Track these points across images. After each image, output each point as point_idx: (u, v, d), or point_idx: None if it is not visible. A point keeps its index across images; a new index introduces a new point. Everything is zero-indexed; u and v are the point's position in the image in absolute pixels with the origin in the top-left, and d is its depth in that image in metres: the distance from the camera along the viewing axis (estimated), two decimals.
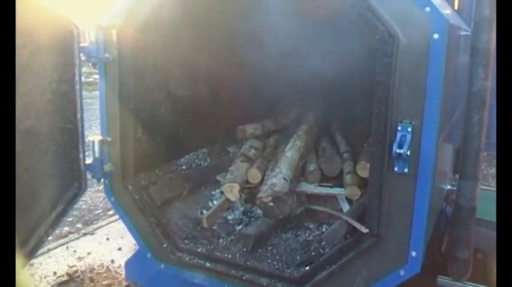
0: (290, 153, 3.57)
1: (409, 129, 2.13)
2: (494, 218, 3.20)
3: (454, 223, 2.76)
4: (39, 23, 2.42)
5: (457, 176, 2.83)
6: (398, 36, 2.10)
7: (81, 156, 2.79)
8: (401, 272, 2.31)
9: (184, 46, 3.41)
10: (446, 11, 2.33)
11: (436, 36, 2.06)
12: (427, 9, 2.07)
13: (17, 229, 2.39)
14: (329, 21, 3.18)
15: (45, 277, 3.46)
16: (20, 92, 2.33)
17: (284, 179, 3.22)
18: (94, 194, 5.40)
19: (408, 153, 2.11)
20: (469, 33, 2.74)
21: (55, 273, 3.50)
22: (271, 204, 3.08)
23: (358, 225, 2.54)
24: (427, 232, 2.33)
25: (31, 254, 2.57)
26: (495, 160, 6.58)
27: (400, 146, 2.11)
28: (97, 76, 2.93)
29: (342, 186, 3.40)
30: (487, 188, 4.90)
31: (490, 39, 2.43)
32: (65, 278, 3.44)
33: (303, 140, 3.82)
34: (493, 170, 6.50)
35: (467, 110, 2.55)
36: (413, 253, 2.27)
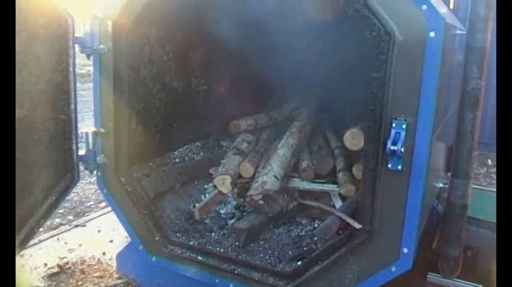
0: (282, 150, 3.57)
1: (404, 127, 2.14)
2: (485, 217, 3.26)
3: (445, 220, 2.78)
4: (34, 11, 2.40)
5: (449, 174, 2.85)
6: (394, 34, 2.11)
7: (74, 147, 2.77)
8: (393, 269, 2.33)
9: (180, 39, 3.40)
10: (443, 9, 2.33)
11: (432, 34, 2.07)
12: (424, 7, 2.08)
13: None
14: (325, 18, 3.17)
15: (35, 269, 3.44)
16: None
17: (275, 177, 3.22)
18: (86, 186, 5.38)
19: (402, 150, 2.11)
20: (464, 32, 2.75)
21: (46, 264, 3.47)
22: (261, 202, 3.09)
23: (351, 221, 2.55)
24: (419, 229, 2.34)
25: (22, 245, 2.55)
26: (486, 159, 6.67)
27: (394, 143, 2.12)
28: (90, 68, 2.91)
29: (334, 182, 3.41)
30: (478, 187, 4.95)
31: (485, 38, 2.44)
32: (56, 269, 3.42)
33: (295, 137, 3.82)
34: (484, 170, 6.55)
35: (461, 108, 2.56)
36: (405, 250, 2.29)
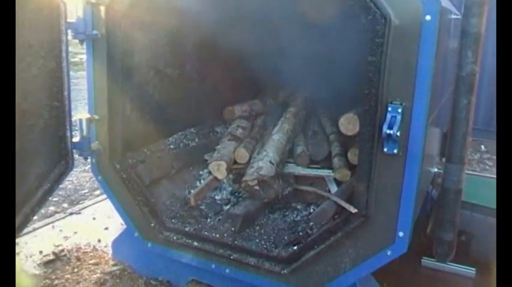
0: (277, 136, 3.57)
1: (400, 111, 2.14)
2: (478, 202, 3.29)
3: (440, 205, 2.80)
4: None
5: (443, 159, 2.87)
6: (390, 17, 2.09)
7: (68, 134, 2.75)
8: (389, 252, 2.34)
9: (174, 25, 3.37)
10: None
11: (428, 17, 2.06)
12: None
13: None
14: (319, 2, 3.16)
15: (30, 256, 3.42)
16: None
17: (270, 162, 3.22)
18: (80, 174, 5.36)
19: (398, 134, 2.12)
20: (459, 17, 2.75)
21: (41, 252, 3.46)
22: (256, 187, 3.09)
23: (347, 205, 2.56)
24: (414, 213, 2.35)
25: (17, 232, 2.54)
26: (480, 146, 6.71)
27: (390, 127, 2.12)
28: (82, 56, 2.88)
29: (330, 167, 3.41)
30: (471, 172, 4.98)
31: (480, 23, 2.44)
32: (51, 257, 3.40)
33: (290, 123, 3.82)
34: (478, 155, 6.59)
35: (455, 94, 2.57)
36: (401, 233, 2.30)
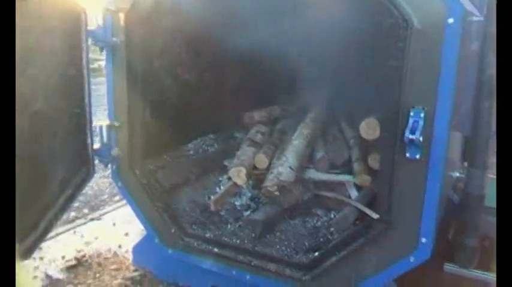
0: (297, 141, 3.54)
1: (422, 115, 2.11)
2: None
3: (462, 210, 2.75)
4: (47, 6, 2.40)
5: (465, 163, 2.82)
6: (412, 21, 2.07)
7: (89, 141, 2.78)
8: (411, 259, 2.31)
9: (192, 31, 3.38)
10: None
11: (451, 21, 2.03)
12: None
13: (27, 213, 2.41)
14: (340, 6, 3.14)
15: (54, 261, 3.47)
16: (28, 74, 2.32)
17: (290, 168, 3.20)
18: (100, 180, 5.40)
19: (421, 139, 2.09)
20: (480, 19, 2.70)
21: (63, 257, 3.51)
22: (276, 193, 3.07)
23: (369, 211, 2.53)
24: (437, 219, 2.32)
25: (41, 238, 2.58)
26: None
27: (413, 132, 2.09)
28: (101, 62, 2.92)
29: (350, 173, 3.38)
30: (494, 176, 4.89)
31: None
32: (74, 262, 3.45)
33: (310, 128, 3.79)
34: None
35: (477, 97, 2.53)
36: (424, 240, 2.26)
